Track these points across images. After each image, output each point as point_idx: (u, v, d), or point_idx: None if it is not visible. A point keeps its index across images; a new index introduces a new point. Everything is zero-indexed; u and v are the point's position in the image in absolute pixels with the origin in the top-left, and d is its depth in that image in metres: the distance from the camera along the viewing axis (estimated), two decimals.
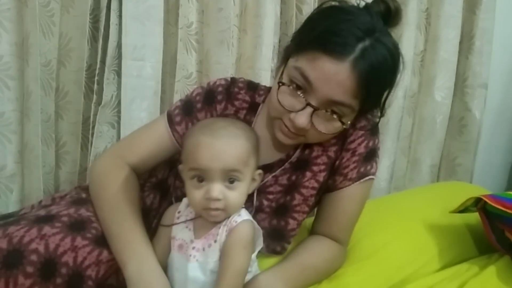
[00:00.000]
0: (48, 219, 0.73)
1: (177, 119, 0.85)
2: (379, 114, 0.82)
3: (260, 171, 0.77)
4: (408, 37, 1.40)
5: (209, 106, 0.85)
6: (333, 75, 0.69)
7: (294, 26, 1.27)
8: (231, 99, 0.86)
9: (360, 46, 0.68)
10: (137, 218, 0.77)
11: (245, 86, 0.88)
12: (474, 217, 1.03)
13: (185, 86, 1.22)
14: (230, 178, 0.70)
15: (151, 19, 1.14)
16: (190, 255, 0.71)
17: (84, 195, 0.85)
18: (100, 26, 1.12)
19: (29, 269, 0.67)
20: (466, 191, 1.12)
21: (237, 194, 0.71)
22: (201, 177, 0.70)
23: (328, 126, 0.75)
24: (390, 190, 1.51)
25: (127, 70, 1.14)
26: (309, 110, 0.72)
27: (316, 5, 1.13)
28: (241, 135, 0.72)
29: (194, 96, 0.87)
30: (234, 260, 0.69)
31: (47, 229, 0.71)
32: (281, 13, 1.28)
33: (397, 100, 1.43)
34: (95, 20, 1.13)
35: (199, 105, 0.85)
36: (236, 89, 0.87)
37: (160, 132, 0.85)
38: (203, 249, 0.71)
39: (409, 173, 1.57)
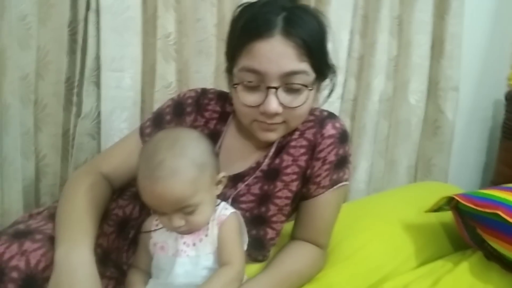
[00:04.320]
0: (29, 233, 0.73)
1: (148, 131, 0.87)
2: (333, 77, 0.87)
3: (224, 174, 0.77)
4: (381, 43, 1.45)
5: (178, 118, 0.87)
6: (271, 51, 0.73)
7: None
8: (200, 110, 0.88)
9: (280, 17, 0.75)
10: (89, 213, 0.75)
11: (215, 96, 0.90)
12: (448, 216, 1.07)
13: (165, 96, 1.23)
14: (184, 210, 0.70)
15: (129, 30, 1.15)
16: (181, 250, 0.72)
17: None
18: (78, 38, 1.13)
19: (10, 286, 0.67)
20: (441, 191, 1.16)
21: (199, 215, 0.71)
22: (160, 213, 0.72)
23: (297, 99, 0.77)
24: (369, 191, 1.54)
25: (106, 81, 1.15)
26: (272, 92, 0.75)
27: None
28: (179, 166, 0.68)
29: (164, 108, 0.89)
30: (236, 244, 0.73)
31: (27, 244, 0.71)
32: None
33: (373, 104, 1.48)
34: (73, 32, 1.14)
35: (168, 117, 0.87)
36: (206, 100, 0.89)
37: (133, 143, 0.87)
38: (194, 244, 0.73)
39: (387, 174, 1.61)
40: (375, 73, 1.46)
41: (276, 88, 0.75)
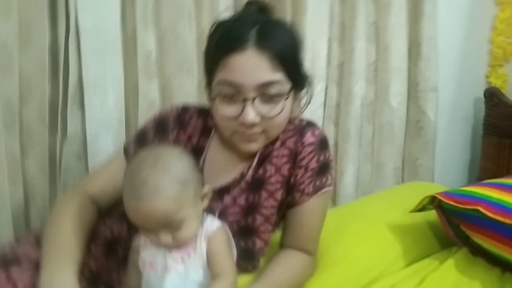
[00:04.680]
0: (15, 260, 0.74)
1: (131, 150, 0.89)
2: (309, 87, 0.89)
3: (208, 187, 0.78)
4: (359, 49, 1.48)
5: (161, 135, 0.88)
6: (245, 64, 0.76)
7: None
8: (182, 126, 0.90)
9: (253, 31, 0.77)
10: (74, 237, 0.76)
11: (197, 112, 0.92)
12: (433, 215, 1.09)
13: (149, 114, 1.22)
14: (170, 226, 0.71)
15: (110, 51, 1.17)
16: (170, 266, 0.73)
17: None
18: (60, 62, 1.15)
19: None
20: (426, 191, 1.18)
21: (186, 230, 0.72)
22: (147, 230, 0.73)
23: (274, 108, 0.79)
24: (358, 195, 1.56)
25: (90, 103, 1.16)
26: (249, 103, 0.77)
27: None
28: (162, 184, 0.69)
29: (146, 127, 0.91)
30: (226, 257, 0.74)
31: (14, 271, 0.72)
32: None
33: (355, 109, 1.51)
34: (54, 56, 1.15)
35: (151, 135, 0.89)
36: (187, 116, 0.91)
37: (118, 163, 0.88)
38: (182, 260, 0.74)
39: (374, 177, 1.63)
40: (356, 79, 1.49)
41: (252, 99, 0.77)
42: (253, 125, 0.79)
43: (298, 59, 0.83)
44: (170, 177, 0.70)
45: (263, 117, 0.79)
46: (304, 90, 0.89)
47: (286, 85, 0.80)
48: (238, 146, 0.84)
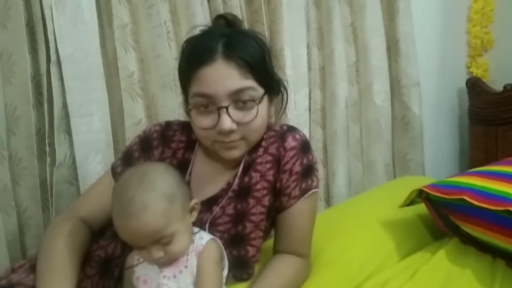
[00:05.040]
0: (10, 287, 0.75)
1: (119, 170, 0.91)
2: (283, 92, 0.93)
3: (195, 201, 0.80)
4: (339, 51, 1.51)
5: (146, 153, 0.90)
6: (215, 74, 0.79)
7: None
8: (167, 143, 0.92)
9: (220, 43, 0.80)
10: (68, 259, 0.78)
11: (180, 127, 0.94)
12: (423, 208, 1.10)
13: (136, 133, 1.25)
14: (161, 242, 0.72)
15: (92, 76, 1.19)
16: (162, 284, 0.74)
17: None
18: (43, 91, 1.16)
19: None
20: (416, 184, 1.19)
21: (177, 244, 0.74)
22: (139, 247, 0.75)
23: (249, 114, 0.82)
24: (351, 195, 1.58)
25: (76, 127, 1.18)
26: (223, 112, 0.79)
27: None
28: (149, 201, 0.71)
29: (132, 146, 0.93)
30: (211, 277, 0.75)
31: None
32: None
33: (341, 110, 1.53)
34: (37, 86, 1.17)
35: (137, 154, 0.91)
36: (171, 132, 0.93)
37: (106, 184, 0.90)
38: (174, 276, 0.75)
39: (366, 175, 1.64)
40: (338, 81, 1.52)
41: (226, 107, 0.80)
42: (230, 132, 0.81)
43: (267, 65, 0.86)
44: (156, 194, 0.72)
45: (239, 124, 0.81)
46: (280, 96, 0.91)
47: (258, 91, 0.82)
48: (221, 154, 0.86)
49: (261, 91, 0.83)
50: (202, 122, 0.82)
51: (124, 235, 0.73)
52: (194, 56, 0.82)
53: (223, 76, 0.79)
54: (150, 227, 0.70)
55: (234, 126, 0.81)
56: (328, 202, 1.59)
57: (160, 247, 0.73)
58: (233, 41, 0.81)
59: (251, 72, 0.81)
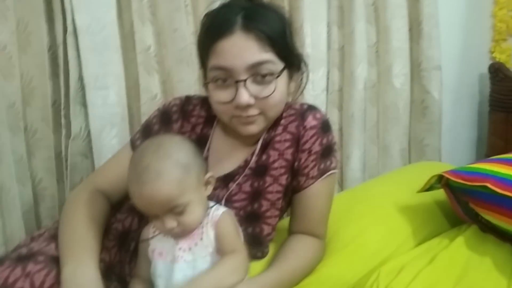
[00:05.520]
0: (31, 256, 0.76)
1: (138, 142, 0.90)
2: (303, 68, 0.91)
3: (210, 174, 0.79)
4: (359, 31, 1.46)
5: (166, 127, 0.89)
6: (234, 47, 0.77)
7: None
8: (186, 117, 0.91)
9: (240, 15, 0.78)
10: (91, 230, 0.79)
11: (200, 102, 0.93)
12: (441, 194, 1.08)
13: (151, 108, 1.24)
14: (174, 210, 0.72)
15: (108, 48, 1.17)
16: (178, 256, 0.74)
17: None
18: (60, 62, 1.15)
19: None
20: (433, 170, 1.17)
21: (190, 215, 0.73)
22: (153, 216, 0.75)
23: (267, 88, 0.80)
24: (365, 179, 1.56)
25: (92, 100, 1.17)
26: (241, 85, 0.78)
27: None
28: (164, 168, 0.71)
29: (151, 119, 0.92)
30: (236, 238, 0.76)
31: (31, 266, 0.73)
32: None
33: (359, 92, 1.49)
34: (53, 57, 1.16)
35: (156, 127, 0.90)
36: (190, 107, 0.92)
37: (125, 157, 0.87)
38: (190, 249, 0.75)
39: (381, 160, 1.62)
40: (357, 61, 1.48)
41: (244, 80, 0.78)
42: (248, 106, 0.79)
43: (287, 39, 0.83)
44: (172, 162, 0.72)
45: (257, 98, 0.80)
46: (300, 72, 0.90)
47: (277, 65, 0.80)
48: (238, 129, 0.84)
49: (280, 65, 0.81)
50: (219, 96, 0.81)
51: (138, 202, 0.73)
52: (212, 28, 0.81)
53: (242, 49, 0.77)
54: (164, 195, 0.70)
55: (251, 101, 0.79)
56: (341, 185, 1.58)
57: (174, 216, 0.72)
58: (253, 14, 0.79)
59: (270, 45, 0.79)
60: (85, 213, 0.80)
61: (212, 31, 0.80)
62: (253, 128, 0.84)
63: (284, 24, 0.83)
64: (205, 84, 0.83)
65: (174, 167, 0.72)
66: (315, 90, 1.43)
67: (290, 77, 0.87)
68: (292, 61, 0.85)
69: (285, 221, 0.96)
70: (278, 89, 0.80)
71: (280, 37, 0.81)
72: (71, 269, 0.72)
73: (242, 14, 0.79)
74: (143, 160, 0.72)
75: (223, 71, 0.79)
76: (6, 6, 1.08)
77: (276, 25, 0.81)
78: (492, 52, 1.74)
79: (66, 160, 1.19)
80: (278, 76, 0.80)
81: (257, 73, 0.79)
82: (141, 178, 0.70)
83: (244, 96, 0.78)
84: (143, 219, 0.92)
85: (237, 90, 0.78)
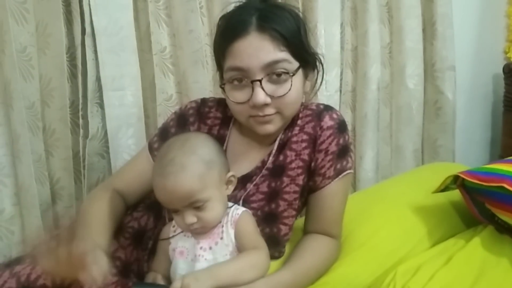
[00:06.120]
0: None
1: (156, 145, 0.92)
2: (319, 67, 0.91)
3: (232, 173, 0.81)
4: (373, 32, 1.46)
5: (183, 129, 0.91)
6: (249, 47, 0.78)
7: None
8: (203, 119, 0.92)
9: (254, 16, 0.80)
10: (105, 220, 0.82)
11: (215, 103, 0.94)
12: (456, 194, 1.08)
13: (166, 109, 1.27)
14: (195, 205, 0.74)
15: (125, 50, 1.19)
16: (199, 255, 0.76)
17: None
18: (78, 63, 1.17)
19: None
20: (447, 171, 1.17)
21: (210, 212, 0.75)
22: (173, 210, 0.77)
23: (283, 87, 0.81)
24: (378, 179, 1.56)
25: (109, 101, 1.19)
26: (257, 85, 0.79)
27: None
28: (188, 162, 0.74)
29: (168, 122, 0.94)
30: (257, 235, 0.79)
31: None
32: None
33: (372, 92, 1.49)
34: (72, 58, 1.17)
35: (173, 130, 0.92)
36: (206, 109, 0.93)
37: (143, 159, 0.92)
38: (210, 248, 0.76)
39: (394, 160, 1.62)
40: (370, 62, 1.48)
41: (260, 80, 0.79)
42: (264, 105, 0.80)
43: (302, 38, 0.84)
44: (196, 157, 0.75)
45: (273, 97, 0.80)
46: (315, 72, 0.90)
47: (292, 64, 0.81)
48: (255, 129, 0.85)
49: (295, 64, 0.82)
50: (236, 96, 0.82)
51: (161, 195, 0.75)
52: (228, 30, 0.82)
53: (257, 49, 0.78)
54: (186, 188, 0.72)
55: (268, 100, 0.80)
56: (354, 186, 1.57)
57: (194, 212, 0.74)
58: (267, 14, 0.80)
59: (285, 44, 0.79)
60: (100, 208, 0.84)
61: (228, 33, 0.82)
62: (270, 128, 0.84)
63: (299, 23, 0.84)
64: (222, 86, 0.84)
65: (198, 162, 0.74)
66: (329, 91, 1.44)
67: (306, 76, 0.87)
68: (307, 60, 0.86)
69: (300, 221, 0.96)
70: (294, 88, 0.81)
71: (294, 36, 0.82)
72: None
73: (257, 15, 0.80)
74: (169, 153, 0.75)
75: (239, 71, 0.80)
76: (26, 9, 1.10)
77: (291, 25, 0.82)
78: (506, 53, 1.73)
79: (84, 160, 1.21)
80: (293, 75, 0.81)
81: (273, 72, 0.79)
82: (166, 170, 0.73)
83: (260, 95, 0.79)
84: (159, 218, 0.93)
85: (253, 90, 0.79)
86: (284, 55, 0.80)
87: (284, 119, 0.85)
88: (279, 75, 0.80)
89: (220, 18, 0.87)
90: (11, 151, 1.14)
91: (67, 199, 1.24)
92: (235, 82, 0.81)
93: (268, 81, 0.80)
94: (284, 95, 0.80)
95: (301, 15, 0.88)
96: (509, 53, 1.72)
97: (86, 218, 0.82)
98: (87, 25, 1.14)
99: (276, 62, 0.79)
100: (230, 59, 0.81)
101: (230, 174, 0.80)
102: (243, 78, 0.80)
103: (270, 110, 0.82)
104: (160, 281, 0.78)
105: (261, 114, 0.81)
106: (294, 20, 0.83)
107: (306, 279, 0.84)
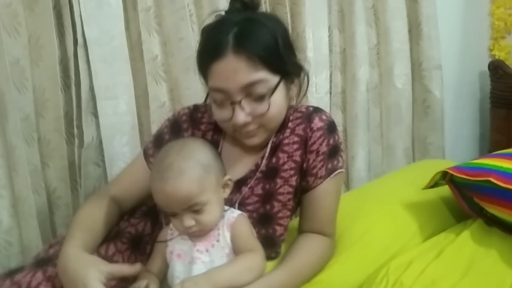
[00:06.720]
0: (49, 260, 0.79)
1: (150, 152, 0.94)
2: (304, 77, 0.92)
3: (228, 176, 0.83)
4: (360, 34, 1.50)
5: (176, 136, 0.92)
6: (226, 69, 0.79)
7: None
8: (196, 125, 0.94)
9: (230, 35, 0.79)
10: (94, 228, 0.84)
11: (208, 109, 0.95)
12: (446, 190, 1.10)
13: (160, 116, 1.28)
14: (193, 209, 0.76)
15: (117, 59, 1.20)
16: (196, 258, 0.77)
17: None
18: (71, 74, 1.18)
19: None
20: (437, 167, 1.19)
21: (208, 215, 0.77)
22: (172, 214, 0.78)
23: (262, 105, 0.82)
24: (370, 178, 1.58)
25: (102, 110, 1.20)
26: (237, 106, 0.80)
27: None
28: (186, 167, 0.75)
29: (162, 129, 0.96)
30: (253, 238, 0.80)
31: (51, 270, 0.77)
32: None
33: (361, 93, 1.53)
34: (65, 69, 1.19)
35: (167, 136, 0.93)
36: (199, 115, 0.95)
37: (139, 166, 0.94)
38: (207, 250, 0.78)
39: (386, 159, 1.65)
40: (359, 63, 1.51)
41: (239, 101, 0.80)
42: (245, 124, 0.82)
43: (281, 52, 0.83)
44: (194, 162, 0.76)
45: (254, 115, 0.82)
46: (302, 76, 0.91)
47: (271, 81, 0.81)
48: (242, 141, 0.88)
49: (275, 79, 0.82)
50: (219, 115, 0.85)
51: (160, 199, 0.77)
52: (206, 50, 0.83)
53: (234, 71, 0.79)
54: (185, 191, 0.74)
55: (248, 119, 0.82)
56: (347, 185, 1.60)
57: (192, 215, 0.76)
58: (245, 32, 0.80)
59: (262, 62, 0.79)
60: (92, 211, 0.86)
61: (206, 53, 0.83)
62: (255, 140, 0.87)
63: (276, 36, 0.82)
64: (205, 104, 0.88)
65: (196, 167, 0.76)
66: (319, 93, 1.46)
67: (291, 82, 0.88)
68: (289, 70, 0.86)
69: (295, 221, 0.98)
70: (274, 103, 0.82)
71: (272, 53, 0.81)
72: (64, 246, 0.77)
73: (234, 33, 0.79)
74: (167, 158, 0.77)
75: (220, 92, 0.81)
76: (18, 22, 1.11)
77: (268, 41, 0.81)
78: (491, 50, 1.77)
79: (79, 169, 1.22)
80: (272, 93, 0.82)
81: (252, 93, 0.80)
82: (165, 174, 0.74)
83: (240, 117, 0.81)
84: (156, 223, 0.95)
85: (233, 109, 0.81)
86: (261, 75, 0.80)
87: (269, 130, 0.88)
88: (259, 94, 0.81)
89: (202, 31, 0.88)
90: (7, 163, 1.15)
91: (64, 209, 1.25)
92: (218, 101, 0.83)
93: (248, 101, 0.81)
94: (264, 112, 0.82)
95: (282, 24, 0.87)
96: (494, 51, 1.76)
97: (77, 222, 0.84)
98: (79, 36, 1.16)
99: (253, 83, 0.79)
100: (211, 80, 0.82)
101: (226, 177, 0.82)
102: (224, 99, 0.82)
103: (252, 127, 0.84)
104: (154, 284, 0.79)
105: (244, 131, 0.84)
106: (270, 35, 0.81)
107: (301, 278, 0.86)
